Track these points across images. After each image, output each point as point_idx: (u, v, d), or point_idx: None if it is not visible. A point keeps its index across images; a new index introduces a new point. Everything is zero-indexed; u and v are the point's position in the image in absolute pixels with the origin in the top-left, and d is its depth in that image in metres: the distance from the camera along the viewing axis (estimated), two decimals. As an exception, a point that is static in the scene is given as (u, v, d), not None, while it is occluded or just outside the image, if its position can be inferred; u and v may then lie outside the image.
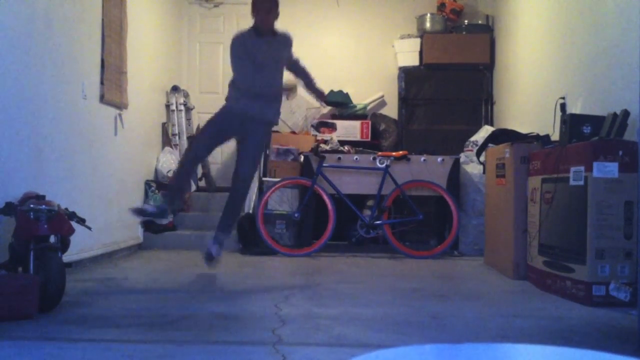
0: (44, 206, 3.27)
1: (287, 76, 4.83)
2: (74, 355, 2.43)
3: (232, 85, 4.57)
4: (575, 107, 4.53)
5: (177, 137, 7.13)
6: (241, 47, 4.51)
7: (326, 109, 7.18)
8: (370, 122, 7.03)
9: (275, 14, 4.53)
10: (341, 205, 5.86)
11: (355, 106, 7.31)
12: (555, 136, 4.31)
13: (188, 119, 7.29)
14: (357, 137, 6.90)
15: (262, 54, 4.50)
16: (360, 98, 7.47)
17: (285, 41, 4.66)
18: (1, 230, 3.54)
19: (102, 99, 5.08)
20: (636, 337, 2.65)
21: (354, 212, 5.81)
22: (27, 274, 3.13)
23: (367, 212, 5.98)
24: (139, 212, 4.50)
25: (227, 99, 4.57)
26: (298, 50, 4.54)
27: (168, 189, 4.73)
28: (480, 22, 7.38)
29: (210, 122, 4.52)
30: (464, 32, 7.23)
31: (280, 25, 4.61)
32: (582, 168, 3.59)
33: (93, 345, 2.57)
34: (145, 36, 6.32)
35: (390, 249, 5.84)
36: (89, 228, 3.80)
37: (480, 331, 2.91)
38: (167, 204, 4.50)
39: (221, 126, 4.47)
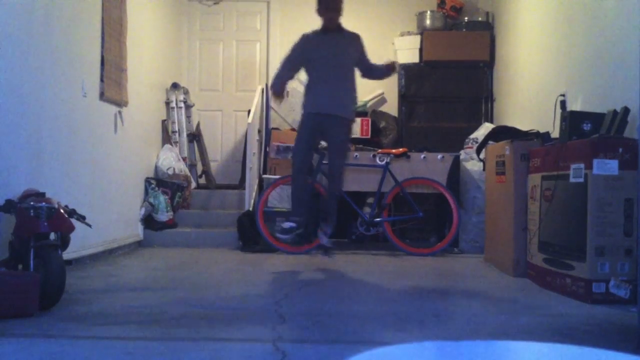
0: (43, 204, 3.27)
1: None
2: (74, 352, 2.43)
3: (306, 88, 4.80)
4: (576, 104, 4.53)
5: (177, 135, 7.13)
6: (308, 45, 4.74)
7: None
8: (370, 120, 7.02)
9: (341, 11, 4.82)
10: (341, 203, 5.85)
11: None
12: (555, 133, 4.31)
13: (188, 117, 7.29)
14: (357, 135, 6.88)
15: (329, 51, 4.70)
16: (360, 95, 7.43)
17: (353, 40, 4.87)
18: (1, 227, 3.54)
19: (102, 96, 5.07)
20: (636, 335, 2.65)
21: (354, 209, 5.81)
22: (27, 271, 3.13)
23: (367, 210, 5.98)
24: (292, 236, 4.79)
25: (303, 106, 4.81)
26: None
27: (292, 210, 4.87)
28: (480, 19, 7.37)
29: (299, 130, 4.83)
30: (464, 30, 7.22)
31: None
32: (582, 165, 3.59)
33: (93, 342, 2.58)
34: (145, 34, 6.31)
35: (391, 247, 5.84)
36: (89, 225, 3.80)
37: (480, 328, 2.91)
38: (298, 226, 4.71)
39: (308, 129, 4.71)
